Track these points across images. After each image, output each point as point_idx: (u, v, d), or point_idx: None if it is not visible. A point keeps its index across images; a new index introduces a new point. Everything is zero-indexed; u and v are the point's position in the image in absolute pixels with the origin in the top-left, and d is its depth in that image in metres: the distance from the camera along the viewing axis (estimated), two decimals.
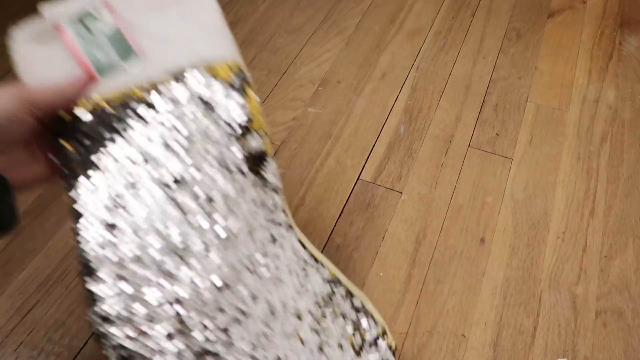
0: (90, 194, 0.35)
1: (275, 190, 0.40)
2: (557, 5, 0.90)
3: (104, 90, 0.37)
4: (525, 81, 0.77)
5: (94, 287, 0.34)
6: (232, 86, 0.39)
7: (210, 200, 0.37)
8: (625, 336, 0.51)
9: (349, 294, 0.43)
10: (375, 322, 0.44)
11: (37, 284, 0.55)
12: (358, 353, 0.43)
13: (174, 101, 0.37)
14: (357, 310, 0.43)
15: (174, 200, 0.36)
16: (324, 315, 0.41)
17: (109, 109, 0.37)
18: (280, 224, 0.40)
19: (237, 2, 0.91)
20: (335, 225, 0.60)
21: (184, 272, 0.35)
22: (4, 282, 0.55)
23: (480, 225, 0.60)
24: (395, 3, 0.90)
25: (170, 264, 0.35)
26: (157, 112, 0.37)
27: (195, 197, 0.36)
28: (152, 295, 0.35)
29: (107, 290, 0.34)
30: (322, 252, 0.57)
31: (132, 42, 0.39)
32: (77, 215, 0.35)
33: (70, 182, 0.36)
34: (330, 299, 0.42)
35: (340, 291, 0.43)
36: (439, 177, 0.64)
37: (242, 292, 0.37)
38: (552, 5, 0.90)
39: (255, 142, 0.39)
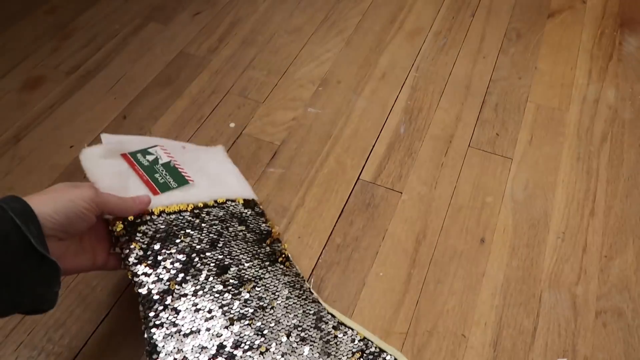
0: (153, 283, 0.43)
1: (299, 275, 0.53)
2: (557, 5, 0.90)
3: (163, 203, 0.48)
4: (525, 81, 0.77)
5: None
6: (254, 210, 0.55)
7: (250, 281, 0.48)
8: (625, 336, 0.51)
9: (381, 351, 0.48)
10: None
11: None
12: None
13: (216, 215, 0.51)
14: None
15: (221, 282, 0.46)
16: None
17: (167, 216, 0.47)
18: (308, 299, 0.50)
19: (237, 2, 0.91)
20: (335, 225, 0.60)
21: (230, 340, 0.43)
22: None
23: (480, 225, 0.60)
24: (395, 3, 0.90)
25: (224, 335, 0.43)
26: (203, 221, 0.49)
27: (240, 280, 0.47)
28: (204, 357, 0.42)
29: None
30: (322, 252, 0.57)
31: (183, 173, 0.52)
32: (148, 304, 0.42)
33: (134, 273, 0.43)
34: (361, 357, 0.47)
35: (371, 348, 0.48)
36: (439, 177, 0.64)
37: (277, 355, 0.45)
38: (552, 5, 0.90)
39: (276, 245, 0.53)
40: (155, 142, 0.55)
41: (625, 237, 0.59)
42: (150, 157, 0.52)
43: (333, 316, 0.50)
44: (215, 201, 0.52)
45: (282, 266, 0.51)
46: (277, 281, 0.49)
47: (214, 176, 0.56)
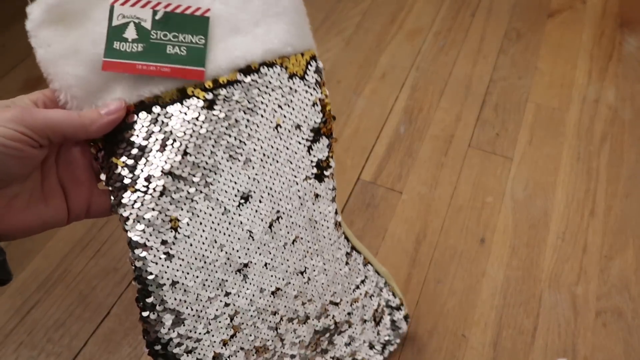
0: (145, 218, 0.31)
1: (332, 190, 0.38)
2: (557, 5, 0.90)
3: (158, 88, 0.31)
4: (525, 81, 0.77)
5: (151, 315, 0.33)
6: (306, 82, 0.34)
7: (275, 212, 0.35)
8: (625, 336, 0.51)
9: (377, 273, 0.44)
10: (395, 296, 0.46)
11: (37, 284, 0.55)
12: (378, 323, 0.45)
13: (239, 101, 0.32)
14: (381, 289, 0.45)
15: (237, 222, 0.34)
16: (355, 301, 0.42)
17: (162, 110, 0.31)
18: (331, 225, 0.39)
19: None
20: None
21: (243, 287, 0.35)
22: None
23: (480, 225, 0.60)
24: (395, 3, 0.90)
25: (230, 281, 0.34)
26: (217, 114, 0.32)
27: (259, 213, 0.34)
28: (210, 310, 0.34)
29: (166, 320, 0.33)
30: None
31: (188, 9, 0.31)
32: (134, 244, 0.31)
33: (120, 204, 0.31)
34: (364, 282, 0.43)
35: (370, 272, 0.43)
36: (439, 177, 0.64)
37: (291, 293, 0.37)
38: (552, 5, 0.90)
39: (323, 147, 0.36)
40: None
41: (625, 237, 0.59)
42: (130, 33, 0.31)
43: (348, 240, 0.41)
44: (242, 70, 0.32)
45: (316, 182, 0.37)
46: (305, 212, 0.37)
47: (244, 7, 0.32)
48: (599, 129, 0.70)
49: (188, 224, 0.32)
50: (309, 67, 0.34)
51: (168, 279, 0.32)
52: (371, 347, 0.45)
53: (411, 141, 0.69)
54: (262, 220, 0.34)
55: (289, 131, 0.34)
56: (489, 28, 0.86)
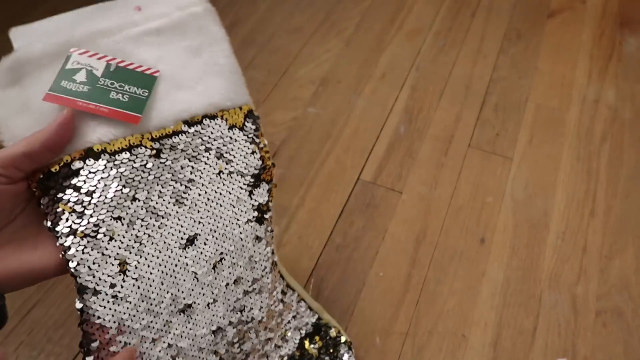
0: (94, 263, 0.31)
1: (271, 232, 0.40)
2: (557, 5, 0.90)
3: (107, 137, 0.33)
4: (525, 81, 0.77)
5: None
6: (245, 132, 0.37)
7: (219, 254, 0.36)
8: (625, 336, 0.51)
9: (309, 309, 0.46)
10: (330, 327, 0.47)
11: (37, 284, 0.55)
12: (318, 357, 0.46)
13: (184, 150, 0.35)
14: (314, 325, 0.46)
15: (183, 264, 0.35)
16: (285, 334, 0.44)
17: (111, 158, 0.33)
18: (269, 265, 0.40)
19: (237, 2, 0.91)
20: (335, 225, 0.60)
21: (186, 327, 0.35)
22: None
23: (480, 225, 0.60)
24: (395, 3, 0.90)
25: (174, 322, 0.35)
26: (164, 161, 0.34)
27: (204, 255, 0.36)
28: (154, 352, 0.34)
29: None
30: (322, 252, 0.57)
31: (139, 68, 0.35)
32: (83, 289, 0.31)
33: (69, 249, 0.31)
34: (294, 317, 0.44)
35: (302, 309, 0.45)
36: (439, 177, 0.64)
37: (230, 330, 0.38)
38: (552, 5, 0.90)
39: (263, 192, 0.38)
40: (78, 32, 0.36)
41: (625, 237, 0.59)
42: (80, 76, 0.33)
43: (282, 277, 0.43)
44: (185, 122, 0.35)
45: (257, 224, 0.38)
46: (246, 253, 0.38)
47: (186, 66, 0.37)
48: (599, 129, 0.70)
49: (136, 267, 0.33)
50: (247, 119, 0.38)
51: (114, 322, 0.32)
52: None
53: (411, 141, 0.69)
54: (206, 262, 0.36)
55: (231, 177, 0.37)
56: (489, 28, 0.86)
